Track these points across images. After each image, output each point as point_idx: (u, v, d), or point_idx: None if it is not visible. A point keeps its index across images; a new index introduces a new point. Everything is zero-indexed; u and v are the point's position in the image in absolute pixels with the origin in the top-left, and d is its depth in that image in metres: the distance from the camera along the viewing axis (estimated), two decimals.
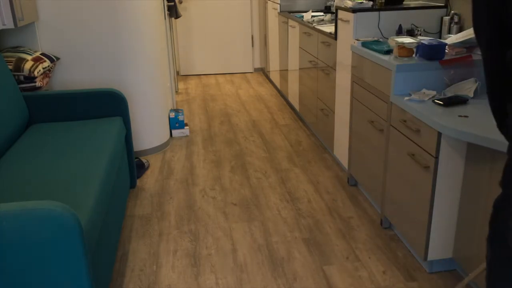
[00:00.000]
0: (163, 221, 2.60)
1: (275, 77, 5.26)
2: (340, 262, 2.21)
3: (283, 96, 5.03)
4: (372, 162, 2.53)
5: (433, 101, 2.04)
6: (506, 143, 1.57)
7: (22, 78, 2.66)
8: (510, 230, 0.83)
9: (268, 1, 5.21)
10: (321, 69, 3.40)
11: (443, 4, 2.74)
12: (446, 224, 2.01)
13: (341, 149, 3.10)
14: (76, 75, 3.19)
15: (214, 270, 2.18)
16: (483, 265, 1.74)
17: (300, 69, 4.02)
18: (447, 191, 1.96)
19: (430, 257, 2.06)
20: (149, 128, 3.49)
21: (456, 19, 2.58)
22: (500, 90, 0.99)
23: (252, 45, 6.17)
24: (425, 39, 2.29)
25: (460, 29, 2.59)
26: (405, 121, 2.10)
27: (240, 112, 4.54)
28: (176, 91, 5.23)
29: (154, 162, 3.39)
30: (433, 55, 2.19)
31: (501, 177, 0.91)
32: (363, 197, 2.80)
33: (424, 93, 2.13)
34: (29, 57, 2.71)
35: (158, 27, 3.49)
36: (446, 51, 2.29)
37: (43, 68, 2.76)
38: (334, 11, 4.06)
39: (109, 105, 2.75)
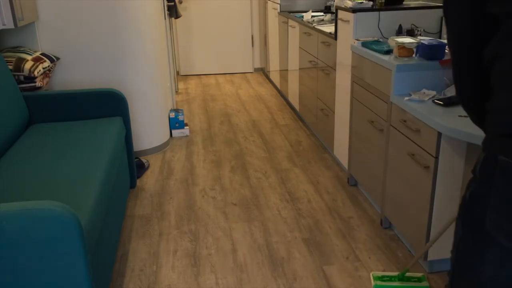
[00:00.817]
0: (163, 221, 2.60)
1: (275, 77, 5.26)
2: (340, 262, 2.21)
3: (283, 96, 5.03)
4: (372, 162, 2.53)
5: (433, 101, 2.04)
6: None
7: (22, 78, 2.66)
8: (489, 218, 0.94)
9: (268, 1, 5.21)
10: (321, 69, 3.40)
11: (443, 4, 2.73)
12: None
13: (341, 149, 3.10)
14: (76, 75, 3.19)
15: (214, 270, 2.18)
16: (437, 233, 1.85)
17: (300, 69, 4.02)
18: (447, 191, 1.96)
19: (430, 257, 2.06)
20: (149, 128, 3.49)
21: None
22: (475, 91, 1.02)
23: (252, 45, 6.17)
24: (425, 39, 2.29)
25: None
26: (405, 121, 2.10)
27: (240, 112, 4.54)
28: (176, 91, 5.23)
29: (154, 162, 3.39)
30: (433, 55, 2.19)
31: (474, 166, 0.98)
32: (363, 197, 2.80)
33: (424, 93, 2.13)
34: (29, 57, 2.71)
35: (158, 27, 3.49)
36: (446, 51, 2.29)
37: (43, 68, 2.76)
38: (334, 11, 4.06)
39: (109, 105, 2.75)
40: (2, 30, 2.96)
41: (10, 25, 2.52)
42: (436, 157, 1.89)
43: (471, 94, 1.06)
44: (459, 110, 1.93)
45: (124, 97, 2.76)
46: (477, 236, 1.00)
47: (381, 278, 2.05)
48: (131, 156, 2.88)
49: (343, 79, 2.94)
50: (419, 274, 2.07)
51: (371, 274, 2.09)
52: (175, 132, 3.89)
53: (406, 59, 2.23)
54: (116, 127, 2.58)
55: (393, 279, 2.04)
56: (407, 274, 2.06)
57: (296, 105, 4.28)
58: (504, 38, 0.87)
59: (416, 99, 2.07)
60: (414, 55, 2.26)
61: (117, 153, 2.39)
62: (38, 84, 2.73)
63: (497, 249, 0.95)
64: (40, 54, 2.86)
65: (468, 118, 1.83)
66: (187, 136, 3.91)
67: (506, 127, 0.85)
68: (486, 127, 0.93)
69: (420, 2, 3.00)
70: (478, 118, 1.07)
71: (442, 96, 2.09)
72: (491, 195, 0.92)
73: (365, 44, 2.55)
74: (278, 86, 5.10)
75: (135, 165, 2.96)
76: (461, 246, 1.06)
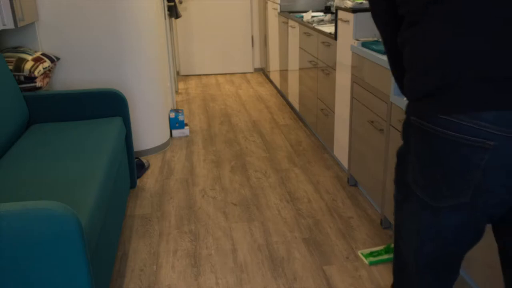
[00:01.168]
0: (163, 221, 2.60)
1: (275, 77, 5.26)
2: (340, 262, 2.21)
3: (283, 96, 5.03)
4: (372, 162, 2.53)
5: None
6: None
7: (22, 78, 2.66)
8: (408, 173, 1.13)
9: (268, 1, 5.21)
10: (321, 69, 3.40)
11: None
12: None
13: (341, 149, 3.10)
14: (76, 75, 3.19)
15: (214, 270, 2.18)
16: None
17: (300, 69, 4.02)
18: None
19: None
20: (149, 128, 3.49)
21: None
22: (400, 67, 1.22)
23: (252, 45, 6.17)
24: None
25: None
26: None
27: (240, 112, 4.54)
28: (176, 91, 5.23)
29: (154, 162, 3.39)
30: None
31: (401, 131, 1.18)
32: (363, 197, 2.80)
33: None
34: (29, 57, 2.71)
35: (158, 27, 3.49)
36: None
37: (43, 68, 2.77)
38: (334, 11, 4.06)
39: (109, 105, 2.75)
40: (2, 30, 2.96)
41: (10, 25, 2.52)
42: None
43: (398, 73, 1.29)
44: None
45: (124, 97, 2.76)
46: (403, 192, 1.17)
47: (371, 254, 2.22)
48: (131, 156, 2.88)
49: (343, 79, 2.94)
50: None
51: (359, 253, 2.25)
52: (175, 132, 3.89)
53: None
54: (116, 127, 2.58)
55: (380, 252, 2.22)
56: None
57: (296, 105, 4.28)
58: (405, 28, 1.09)
59: None
60: None
61: (117, 153, 2.39)
62: (38, 84, 2.73)
63: (417, 202, 1.12)
64: (40, 54, 2.86)
65: None
66: (187, 136, 3.91)
67: (413, 95, 1.07)
68: (405, 96, 1.14)
69: None
70: (403, 91, 1.27)
71: None
72: (409, 152, 1.12)
73: (365, 44, 2.56)
74: (278, 86, 5.11)
75: (135, 165, 2.96)
76: (396, 204, 1.23)
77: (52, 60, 2.92)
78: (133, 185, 2.96)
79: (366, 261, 2.19)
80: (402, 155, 1.17)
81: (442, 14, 0.97)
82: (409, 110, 1.10)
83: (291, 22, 4.19)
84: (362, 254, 2.24)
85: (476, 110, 0.93)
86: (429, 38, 1.01)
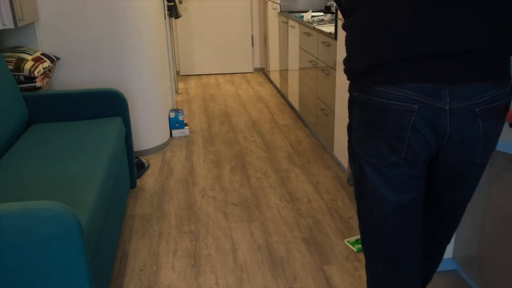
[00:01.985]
0: (163, 221, 2.60)
1: (275, 77, 5.26)
2: (340, 262, 2.21)
3: (283, 96, 5.03)
4: None
5: None
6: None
7: (22, 78, 2.66)
8: (353, 141, 1.31)
9: (268, 1, 5.21)
10: (321, 69, 3.40)
11: None
12: None
13: (341, 149, 3.10)
14: (76, 75, 3.19)
15: (214, 270, 2.18)
16: None
17: (300, 69, 4.02)
18: None
19: None
20: (149, 128, 3.49)
21: None
22: None
23: (252, 45, 6.17)
24: None
25: None
26: None
27: (240, 112, 4.54)
28: (176, 91, 5.23)
29: (154, 162, 3.39)
30: None
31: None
32: None
33: None
34: (29, 57, 2.71)
35: (158, 27, 3.49)
36: None
37: (43, 68, 2.77)
38: (334, 11, 4.06)
39: (109, 105, 2.75)
40: (2, 30, 2.96)
41: (10, 25, 2.52)
42: None
43: None
44: None
45: (124, 97, 2.76)
46: (355, 161, 1.33)
47: (357, 242, 2.30)
48: (131, 156, 2.88)
49: (343, 79, 2.94)
50: None
51: (345, 241, 2.33)
52: (175, 132, 3.89)
53: None
54: (116, 127, 2.58)
55: None
56: None
57: (296, 105, 4.28)
58: (347, 16, 1.26)
59: None
60: None
61: (117, 153, 2.39)
62: (38, 84, 2.73)
63: (366, 165, 1.27)
64: (40, 54, 2.86)
65: None
66: (187, 136, 3.91)
67: (352, 73, 1.26)
68: (347, 75, 1.30)
69: None
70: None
71: None
72: (353, 122, 1.30)
73: None
74: (278, 86, 5.11)
75: (135, 165, 2.96)
76: (354, 180, 1.38)
77: (52, 60, 2.92)
78: (133, 185, 2.96)
79: (354, 249, 2.27)
80: (349, 129, 1.34)
81: (376, 2, 1.15)
82: (350, 87, 1.28)
83: (291, 22, 4.19)
84: (348, 242, 2.32)
85: (402, 82, 1.15)
86: (364, 24, 1.18)
